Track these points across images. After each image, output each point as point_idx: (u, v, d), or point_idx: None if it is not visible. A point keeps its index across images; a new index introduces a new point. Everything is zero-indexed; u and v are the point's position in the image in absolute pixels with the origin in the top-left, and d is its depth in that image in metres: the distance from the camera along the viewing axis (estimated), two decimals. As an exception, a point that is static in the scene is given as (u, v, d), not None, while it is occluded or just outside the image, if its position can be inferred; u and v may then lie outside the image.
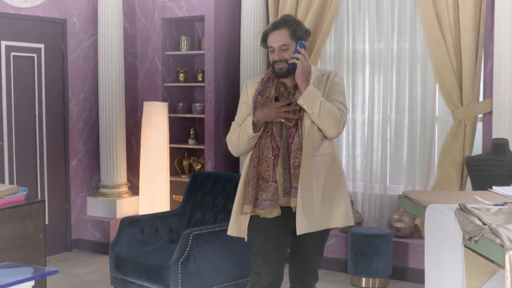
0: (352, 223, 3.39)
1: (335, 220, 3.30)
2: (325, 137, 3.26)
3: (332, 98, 3.27)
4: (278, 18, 3.37)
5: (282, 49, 3.23)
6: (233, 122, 3.43)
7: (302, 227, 3.19)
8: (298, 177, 3.19)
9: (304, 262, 3.41)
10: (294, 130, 3.23)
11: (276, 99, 3.28)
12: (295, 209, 3.20)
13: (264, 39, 3.31)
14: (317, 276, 3.48)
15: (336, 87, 3.32)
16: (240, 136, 3.29)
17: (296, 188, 3.19)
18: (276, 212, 3.23)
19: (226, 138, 3.44)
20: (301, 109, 3.21)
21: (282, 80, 3.30)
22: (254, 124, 3.23)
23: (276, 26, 3.28)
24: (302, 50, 3.22)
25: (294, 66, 3.22)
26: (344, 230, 5.57)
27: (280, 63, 3.24)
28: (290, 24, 3.26)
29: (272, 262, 3.29)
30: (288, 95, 3.28)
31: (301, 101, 3.17)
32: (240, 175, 3.42)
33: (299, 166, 3.19)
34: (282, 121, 3.23)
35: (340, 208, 3.31)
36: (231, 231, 3.39)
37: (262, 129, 3.25)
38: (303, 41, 3.27)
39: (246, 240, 3.36)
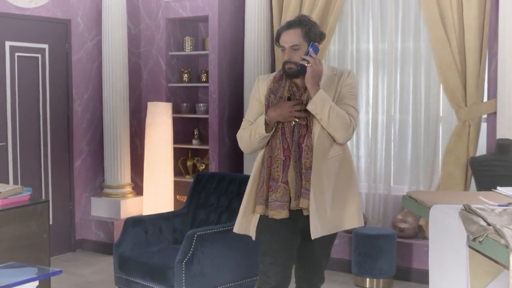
0: (362, 224, 3.37)
1: (346, 222, 3.29)
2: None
3: (343, 101, 3.22)
4: (293, 17, 3.32)
5: (293, 49, 3.18)
6: (244, 119, 3.39)
7: (316, 231, 3.17)
8: (309, 179, 3.15)
9: (312, 263, 3.40)
10: (304, 131, 3.20)
11: (289, 99, 3.24)
12: (306, 211, 3.18)
13: (277, 38, 3.26)
14: (324, 278, 3.47)
15: (348, 88, 3.26)
16: (252, 135, 3.27)
17: (307, 189, 3.15)
18: (284, 214, 3.19)
19: (237, 135, 3.41)
20: (311, 113, 3.17)
21: (294, 80, 3.26)
22: (266, 123, 3.20)
23: (289, 25, 3.22)
24: (313, 53, 3.17)
25: (303, 67, 3.16)
26: (348, 230, 5.55)
27: (289, 64, 3.20)
28: (304, 24, 3.20)
29: (279, 262, 3.26)
30: (300, 96, 3.24)
31: (310, 107, 3.13)
32: (248, 175, 3.40)
33: (310, 167, 3.15)
34: (295, 120, 3.19)
35: (351, 209, 3.29)
36: (238, 228, 3.35)
37: (274, 128, 3.23)
38: (316, 43, 3.21)
39: (254, 239, 3.34)
